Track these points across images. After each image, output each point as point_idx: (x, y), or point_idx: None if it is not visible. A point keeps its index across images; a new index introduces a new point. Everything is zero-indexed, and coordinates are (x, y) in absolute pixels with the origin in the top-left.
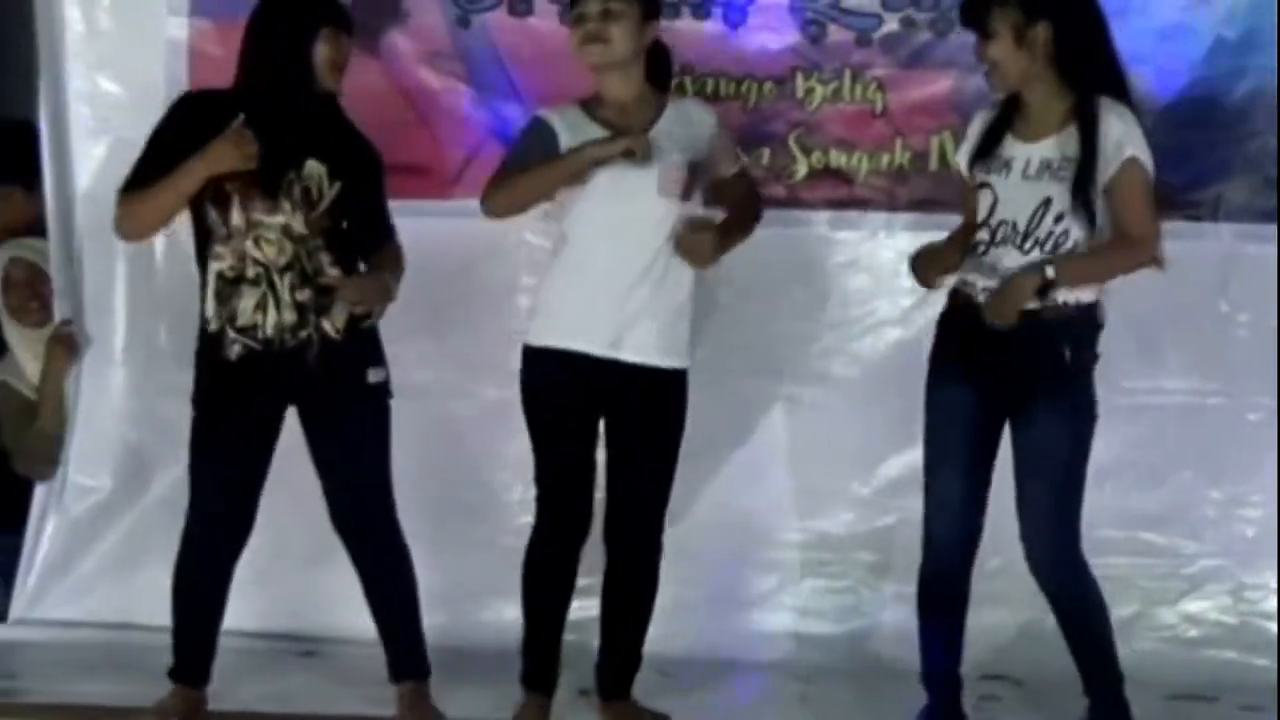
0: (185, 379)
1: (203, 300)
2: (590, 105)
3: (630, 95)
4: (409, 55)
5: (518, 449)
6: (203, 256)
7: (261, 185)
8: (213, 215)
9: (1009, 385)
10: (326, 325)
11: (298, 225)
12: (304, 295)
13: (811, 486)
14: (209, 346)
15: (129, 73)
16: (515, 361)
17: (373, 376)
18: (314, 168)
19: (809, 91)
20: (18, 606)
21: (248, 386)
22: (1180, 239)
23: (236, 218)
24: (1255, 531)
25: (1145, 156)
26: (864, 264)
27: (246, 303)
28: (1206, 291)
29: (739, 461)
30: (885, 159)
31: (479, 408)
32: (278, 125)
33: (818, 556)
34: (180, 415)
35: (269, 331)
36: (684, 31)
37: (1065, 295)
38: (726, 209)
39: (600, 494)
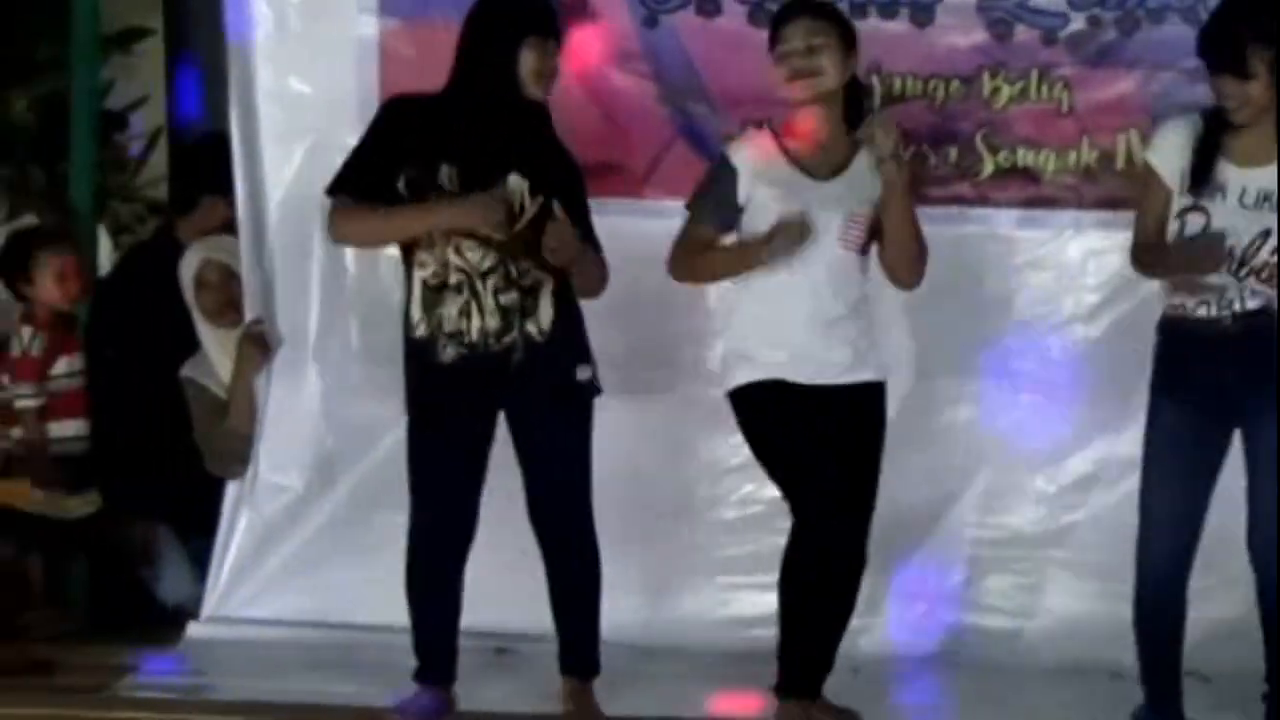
0: (377, 378)
1: (408, 306)
2: (785, 138)
3: (829, 132)
4: (597, 54)
5: (708, 445)
6: (408, 261)
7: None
8: None
9: (1232, 394)
10: (531, 327)
11: (499, 235)
12: (508, 298)
13: (998, 484)
14: (419, 352)
15: (319, 73)
16: (704, 358)
17: (580, 374)
18: (516, 183)
19: (995, 90)
20: (209, 604)
21: (462, 389)
22: None
23: None
24: None
25: None
26: (1050, 262)
27: (451, 309)
28: None
29: (926, 459)
30: (1072, 157)
31: (672, 405)
32: (482, 134)
33: (1004, 553)
34: (371, 415)
35: (474, 337)
36: (871, 31)
37: None
38: None
39: None
